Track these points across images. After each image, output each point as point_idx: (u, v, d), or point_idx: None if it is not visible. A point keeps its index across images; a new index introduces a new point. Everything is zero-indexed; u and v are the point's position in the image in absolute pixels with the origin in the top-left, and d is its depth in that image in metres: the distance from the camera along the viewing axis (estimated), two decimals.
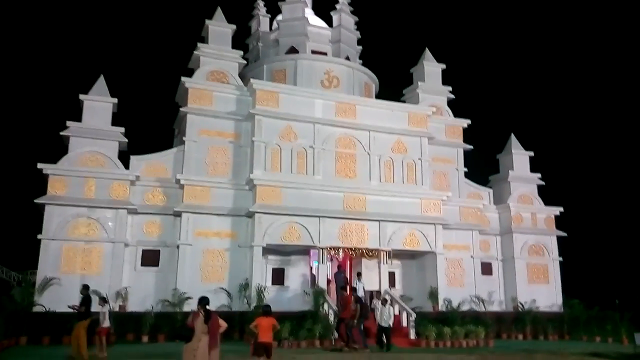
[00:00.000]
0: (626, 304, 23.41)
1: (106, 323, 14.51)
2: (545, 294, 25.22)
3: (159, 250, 20.57)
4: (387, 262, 22.00)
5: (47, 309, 17.56)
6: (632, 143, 44.85)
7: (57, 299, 17.99)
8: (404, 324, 19.72)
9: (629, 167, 43.57)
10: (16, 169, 32.07)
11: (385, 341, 16.88)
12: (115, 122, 21.30)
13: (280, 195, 20.81)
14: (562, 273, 26.15)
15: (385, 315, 16.95)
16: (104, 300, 14.85)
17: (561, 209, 26.82)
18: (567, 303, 24.73)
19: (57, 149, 20.43)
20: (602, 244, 37.26)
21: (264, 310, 11.15)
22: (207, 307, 9.19)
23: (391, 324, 17.18)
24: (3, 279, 28.83)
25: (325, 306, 19.22)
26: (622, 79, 49.79)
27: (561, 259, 26.25)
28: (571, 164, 43.83)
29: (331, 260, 23.33)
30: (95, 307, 14.51)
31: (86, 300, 13.57)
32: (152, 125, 35.32)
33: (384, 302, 17.63)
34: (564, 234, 26.50)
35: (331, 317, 18.41)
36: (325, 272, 21.02)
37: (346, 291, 17.60)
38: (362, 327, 17.04)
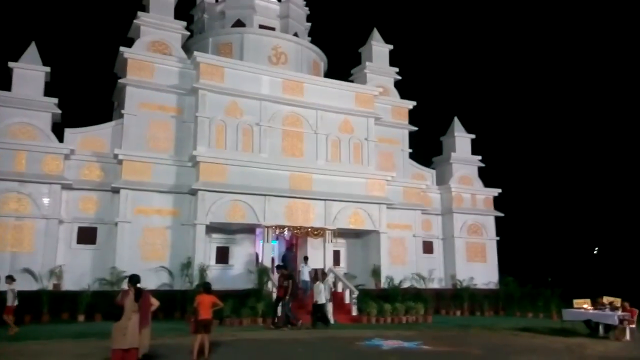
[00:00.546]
0: (557, 281, 24.81)
1: (12, 301, 14.04)
2: (482, 271, 26.28)
3: (96, 228, 19.76)
4: (332, 241, 22.17)
5: None
6: (567, 128, 47.19)
7: None
8: (347, 301, 19.99)
9: (564, 151, 45.92)
10: None
11: (320, 317, 17.14)
12: (49, 92, 20.10)
13: (225, 173, 20.41)
14: (498, 252, 27.32)
15: (318, 292, 17.18)
16: (11, 279, 14.20)
17: (499, 190, 27.88)
18: (502, 280, 25.90)
19: None
20: (536, 224, 39.29)
21: (205, 287, 11.01)
22: (138, 285, 8.87)
23: (325, 300, 17.34)
24: None
25: (269, 284, 19.19)
26: (559, 66, 52.00)
27: (498, 238, 27.38)
28: (510, 147, 45.77)
29: (277, 239, 23.30)
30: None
31: None
32: (90, 97, 33.64)
33: (315, 279, 17.85)
34: (502, 214, 27.61)
35: (274, 296, 18.38)
36: (269, 251, 20.93)
37: (285, 270, 17.63)
38: (290, 303, 16.81)
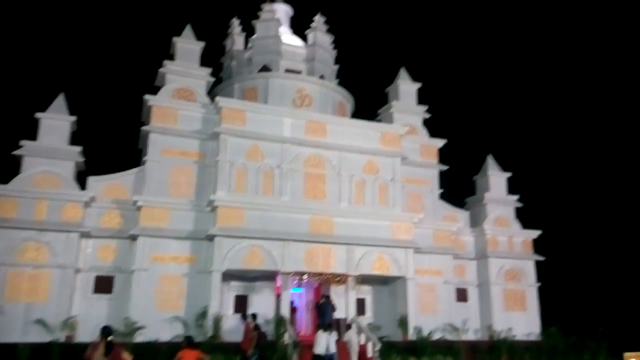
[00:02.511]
0: (608, 331, 22.58)
1: None
2: (522, 321, 24.38)
3: (114, 277, 19.63)
4: (354, 288, 21.13)
5: None
6: (612, 162, 44.38)
7: (0, 328, 17.10)
8: (369, 354, 18.75)
9: (610, 188, 43.01)
10: None
11: None
12: (78, 142, 20.62)
13: (243, 217, 20.02)
14: (540, 299, 25.33)
15: (321, 342, 15.92)
16: None
17: (539, 232, 26.11)
18: (545, 331, 23.89)
19: (12, 170, 19.61)
20: (583, 268, 36.41)
21: (188, 341, 10.37)
22: (110, 337, 8.30)
23: (325, 351, 15.85)
24: None
25: (286, 336, 18.32)
26: (597, 97, 49.48)
27: (539, 284, 25.45)
28: (550, 185, 43.05)
29: (299, 286, 22.55)
30: None
31: None
32: (119, 146, 34.40)
33: (326, 328, 16.77)
34: (542, 258, 25.74)
35: (290, 348, 17.50)
36: (287, 299, 20.12)
37: (254, 319, 16.40)
38: (256, 356, 15.68)
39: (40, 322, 17.32)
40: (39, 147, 19.50)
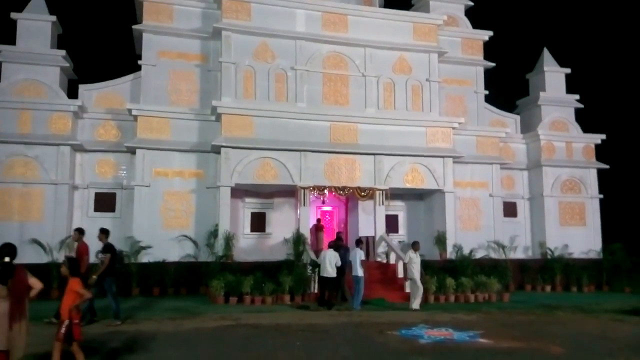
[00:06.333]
0: None
1: None
2: (580, 237, 21.32)
3: (115, 193, 17.85)
4: (383, 204, 18.55)
5: None
6: None
7: None
8: (400, 275, 16.50)
9: None
10: None
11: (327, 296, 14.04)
12: (66, 48, 18.23)
13: (252, 126, 17.49)
14: (602, 213, 22.03)
15: (327, 263, 13.89)
16: None
17: (603, 137, 22.32)
18: (607, 248, 20.87)
19: None
20: None
21: (69, 264, 6.94)
22: (7, 259, 5.99)
23: (332, 274, 13.90)
24: None
25: (304, 255, 16.23)
26: None
27: (601, 196, 22.05)
28: (615, 83, 37.15)
29: (323, 202, 20.31)
30: None
31: None
32: (118, 54, 31.53)
33: (330, 245, 14.60)
34: (606, 167, 22.13)
35: (309, 268, 15.42)
36: (307, 215, 17.85)
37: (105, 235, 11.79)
38: (113, 287, 11.22)
39: (36, 242, 15.83)
40: (18, 52, 17.22)
